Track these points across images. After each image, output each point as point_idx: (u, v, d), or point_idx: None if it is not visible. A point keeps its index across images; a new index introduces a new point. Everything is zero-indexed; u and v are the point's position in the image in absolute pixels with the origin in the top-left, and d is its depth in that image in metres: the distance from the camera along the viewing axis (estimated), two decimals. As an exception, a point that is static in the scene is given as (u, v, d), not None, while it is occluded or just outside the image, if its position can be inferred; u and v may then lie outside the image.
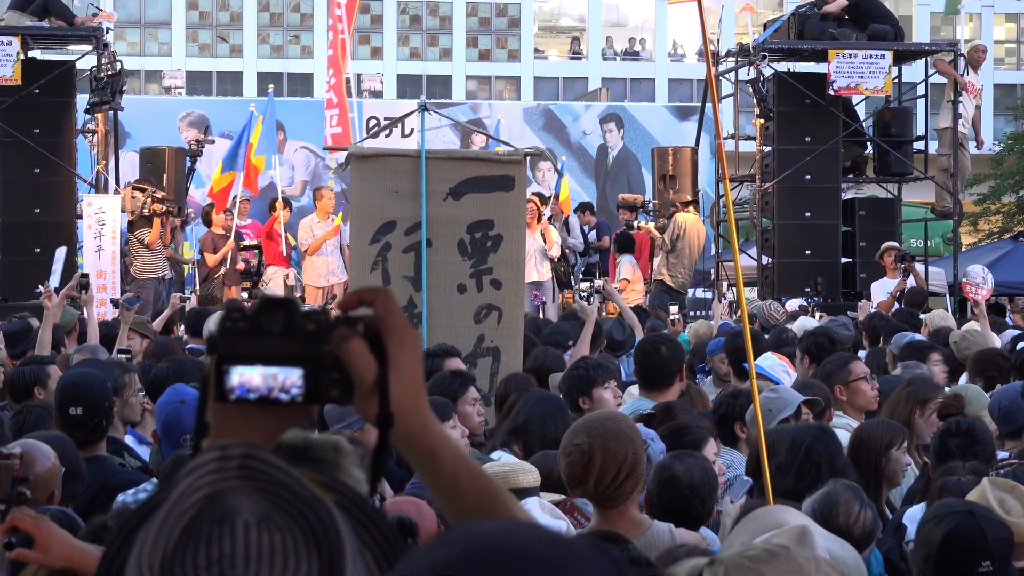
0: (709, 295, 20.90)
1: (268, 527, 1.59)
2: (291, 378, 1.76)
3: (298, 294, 18.96)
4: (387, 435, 1.82)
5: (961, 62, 20.45)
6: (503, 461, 5.71)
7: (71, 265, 17.37)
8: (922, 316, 13.21)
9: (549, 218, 20.12)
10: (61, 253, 16.46)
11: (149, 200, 18.22)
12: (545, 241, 19.18)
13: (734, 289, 17.66)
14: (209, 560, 1.57)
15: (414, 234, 9.92)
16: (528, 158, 10.34)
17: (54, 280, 15.06)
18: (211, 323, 8.83)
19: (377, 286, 1.89)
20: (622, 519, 4.97)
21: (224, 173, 20.87)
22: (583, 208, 23.19)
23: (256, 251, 19.51)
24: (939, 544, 4.33)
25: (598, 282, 13.05)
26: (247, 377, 1.76)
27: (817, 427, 6.05)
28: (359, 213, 10.29)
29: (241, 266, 19.39)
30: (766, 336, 11.15)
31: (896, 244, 18.21)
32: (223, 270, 19.16)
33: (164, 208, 18.31)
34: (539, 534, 1.46)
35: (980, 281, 13.22)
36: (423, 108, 10.89)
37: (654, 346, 8.13)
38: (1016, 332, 13.00)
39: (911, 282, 16.86)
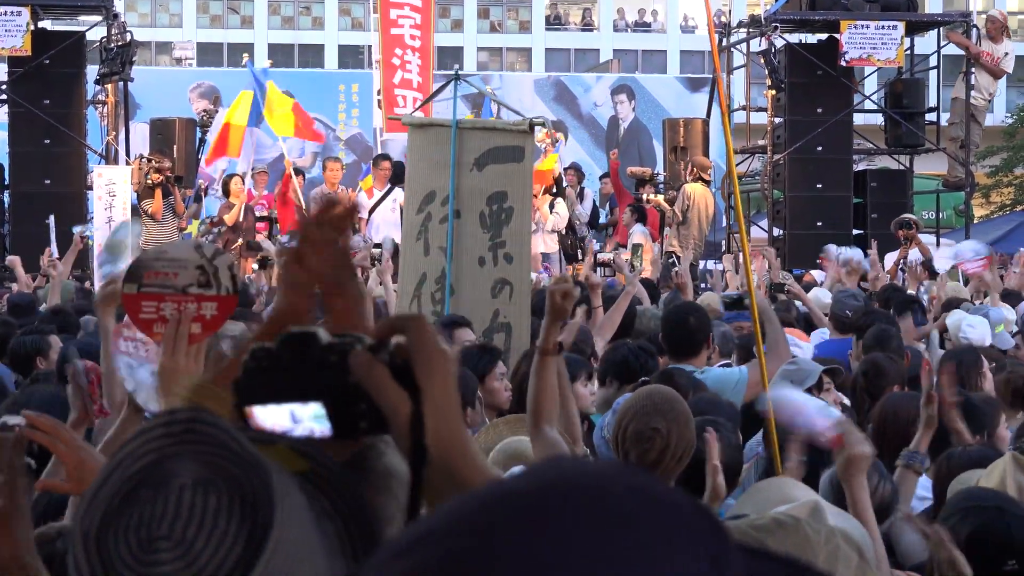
0: (720, 267, 20.82)
1: (204, 489, 1.62)
2: (314, 413, 1.69)
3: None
4: (420, 472, 1.68)
5: (974, 33, 20.35)
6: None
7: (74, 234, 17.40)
8: (925, 284, 13.11)
9: (563, 188, 19.98)
10: (52, 222, 16.51)
11: (150, 170, 18.11)
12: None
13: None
14: (140, 521, 1.62)
15: (447, 205, 9.86)
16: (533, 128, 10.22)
17: (54, 248, 15.12)
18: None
19: (411, 313, 1.82)
20: None
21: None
22: (606, 177, 23.22)
23: (269, 223, 19.46)
24: (963, 543, 4.20)
25: (609, 254, 13.00)
26: (269, 417, 1.71)
27: None
28: (410, 183, 10.33)
29: (256, 235, 19.30)
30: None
31: (912, 216, 18.06)
32: (239, 243, 19.09)
33: (161, 178, 18.16)
34: (631, 481, 1.17)
35: (973, 255, 13.12)
36: (456, 77, 10.83)
37: (682, 315, 8.05)
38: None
39: (916, 253, 16.71)
